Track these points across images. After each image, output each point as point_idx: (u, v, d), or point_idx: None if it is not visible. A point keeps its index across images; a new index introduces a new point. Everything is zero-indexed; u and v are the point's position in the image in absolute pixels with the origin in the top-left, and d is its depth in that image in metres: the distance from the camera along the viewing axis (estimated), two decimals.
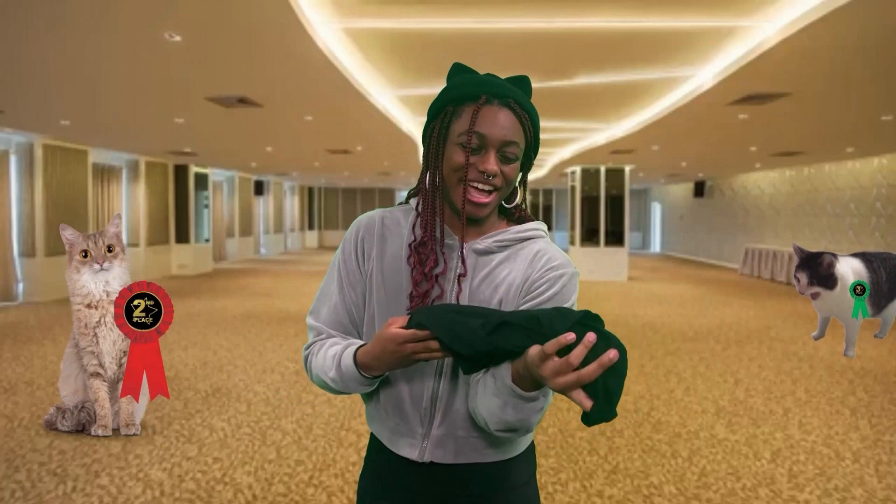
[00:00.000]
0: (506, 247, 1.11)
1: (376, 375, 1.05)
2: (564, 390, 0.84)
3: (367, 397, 1.16)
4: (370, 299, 1.12)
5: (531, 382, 0.92)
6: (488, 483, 1.11)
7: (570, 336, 0.82)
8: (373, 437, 1.19)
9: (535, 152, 1.13)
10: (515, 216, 1.17)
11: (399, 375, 1.10)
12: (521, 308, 1.06)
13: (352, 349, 1.06)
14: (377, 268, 1.12)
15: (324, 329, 1.14)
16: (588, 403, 0.83)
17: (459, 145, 1.04)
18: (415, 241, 1.10)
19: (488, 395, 0.98)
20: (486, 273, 1.09)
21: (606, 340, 0.84)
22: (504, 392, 0.95)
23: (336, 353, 1.08)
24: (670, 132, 7.51)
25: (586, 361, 0.82)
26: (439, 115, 1.09)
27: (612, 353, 0.80)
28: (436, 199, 1.09)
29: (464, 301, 1.08)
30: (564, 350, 0.84)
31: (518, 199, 1.16)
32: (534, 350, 0.87)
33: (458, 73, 1.12)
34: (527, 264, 1.09)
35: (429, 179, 1.09)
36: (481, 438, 1.08)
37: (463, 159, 1.04)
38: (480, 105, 1.04)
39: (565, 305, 1.05)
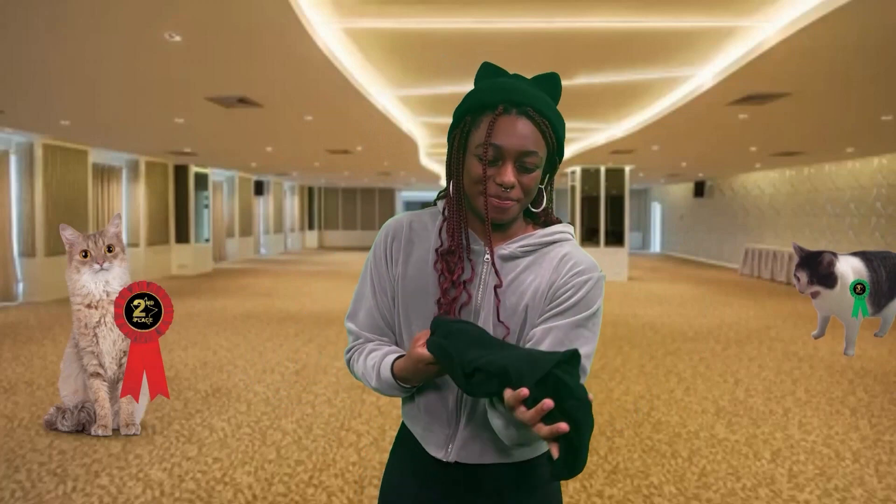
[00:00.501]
0: (531, 251, 1.10)
1: (415, 385, 1.09)
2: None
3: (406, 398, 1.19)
4: (398, 302, 1.14)
5: None
6: (512, 482, 1.12)
7: (524, 392, 0.82)
8: (403, 433, 1.21)
9: (561, 156, 1.11)
10: (542, 220, 1.17)
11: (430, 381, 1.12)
12: (546, 313, 1.06)
13: (389, 360, 1.09)
14: (403, 273, 1.13)
15: (361, 333, 1.17)
16: (555, 454, 0.82)
17: (477, 157, 1.04)
18: (441, 246, 1.11)
19: (493, 414, 1.00)
20: (512, 279, 1.09)
21: (570, 396, 0.82)
22: (504, 413, 0.96)
23: (375, 363, 1.11)
24: (670, 132, 7.51)
25: (554, 417, 0.81)
26: (459, 125, 1.08)
27: (561, 426, 0.80)
28: (461, 208, 1.09)
29: (491, 306, 1.08)
30: (531, 401, 0.83)
31: (544, 205, 1.15)
32: (506, 395, 0.87)
33: (486, 76, 1.11)
34: (552, 269, 1.08)
35: (453, 188, 1.10)
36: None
37: (481, 172, 1.04)
38: (497, 115, 1.03)
39: (590, 310, 1.06)
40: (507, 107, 1.03)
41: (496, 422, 1.00)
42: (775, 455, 3.27)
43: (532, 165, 1.04)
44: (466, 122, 1.07)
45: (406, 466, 1.19)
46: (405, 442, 1.20)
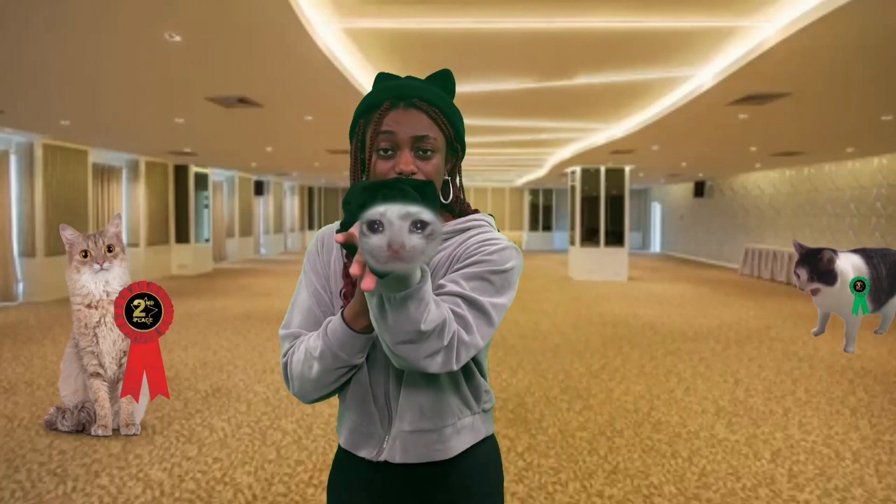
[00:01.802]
0: (445, 240, 1.10)
1: (366, 328, 1.00)
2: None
3: (339, 397, 1.17)
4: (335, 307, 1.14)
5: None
6: (444, 481, 1.11)
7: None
8: (339, 450, 1.21)
9: (461, 142, 1.12)
10: (457, 211, 1.16)
11: (362, 374, 1.10)
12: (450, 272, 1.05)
13: (336, 316, 1.03)
14: (333, 281, 1.14)
15: (299, 332, 1.12)
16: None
17: (375, 152, 1.05)
18: (345, 253, 1.12)
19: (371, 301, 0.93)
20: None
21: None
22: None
23: (318, 334, 1.05)
24: (670, 132, 7.51)
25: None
26: (356, 131, 1.10)
27: (365, 283, 0.78)
28: None
29: None
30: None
31: (452, 195, 1.14)
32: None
33: (378, 82, 1.13)
34: (455, 247, 1.08)
35: None
36: (427, 432, 1.08)
37: (380, 166, 1.04)
38: (384, 111, 1.05)
39: (497, 266, 1.03)
40: (394, 101, 1.05)
41: (372, 306, 0.92)
42: (775, 455, 3.27)
43: (429, 148, 1.04)
44: (360, 126, 1.08)
45: (342, 475, 1.18)
46: (341, 450, 1.19)
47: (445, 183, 1.13)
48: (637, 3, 3.80)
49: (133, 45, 4.07)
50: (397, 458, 1.09)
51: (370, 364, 1.10)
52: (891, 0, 3.15)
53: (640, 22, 4.06)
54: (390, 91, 1.06)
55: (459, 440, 1.11)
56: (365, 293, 0.93)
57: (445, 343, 0.94)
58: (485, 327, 1.01)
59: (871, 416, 3.87)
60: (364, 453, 1.12)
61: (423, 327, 0.90)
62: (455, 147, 1.11)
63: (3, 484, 2.84)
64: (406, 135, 1.03)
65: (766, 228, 13.53)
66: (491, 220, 1.15)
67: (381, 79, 1.13)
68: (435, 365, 0.95)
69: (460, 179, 1.16)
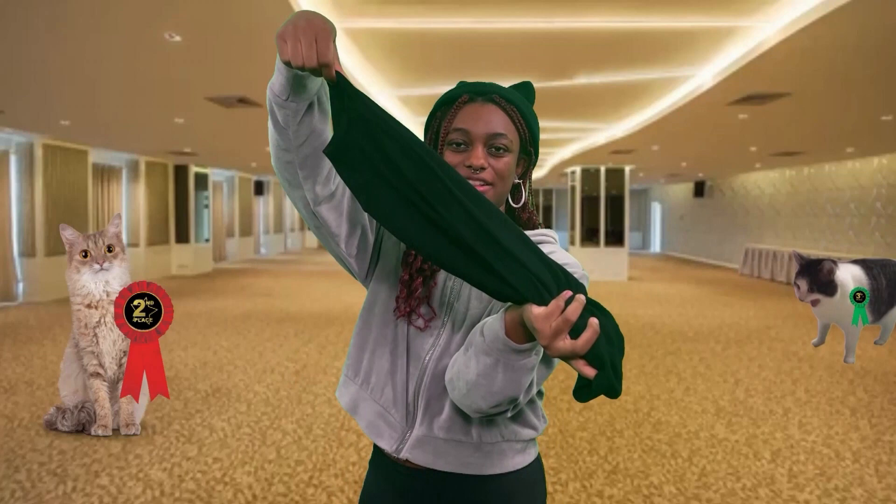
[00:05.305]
0: None
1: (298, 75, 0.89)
2: (563, 357, 0.81)
3: (353, 376, 1.13)
4: (373, 267, 1.12)
5: (525, 335, 0.87)
6: (479, 501, 1.06)
7: (567, 293, 0.80)
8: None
9: (535, 146, 1.10)
10: (524, 219, 1.14)
11: (400, 361, 1.07)
12: None
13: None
14: (384, 250, 1.12)
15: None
16: (590, 371, 0.80)
17: (447, 145, 1.04)
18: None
19: (477, 355, 0.92)
20: None
21: (600, 311, 0.83)
22: (495, 348, 0.89)
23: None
24: (670, 132, 7.51)
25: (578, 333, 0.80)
26: (432, 123, 1.09)
27: (594, 320, 0.79)
28: None
29: (462, 304, 1.06)
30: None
31: (524, 199, 1.13)
32: (537, 309, 0.81)
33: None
34: None
35: None
36: (465, 444, 1.04)
37: (450, 158, 1.03)
38: (462, 103, 1.05)
39: None
40: (472, 95, 1.05)
41: (482, 361, 0.90)
42: (775, 455, 3.27)
43: (502, 147, 1.03)
44: (437, 118, 1.08)
45: (374, 461, 1.15)
46: (373, 459, 1.17)
47: (516, 186, 1.12)
48: (637, 3, 3.80)
49: (133, 45, 4.08)
50: (423, 462, 1.05)
51: (410, 357, 1.06)
52: (891, 0, 3.15)
53: (640, 22, 4.06)
54: (469, 87, 1.06)
55: (505, 459, 1.07)
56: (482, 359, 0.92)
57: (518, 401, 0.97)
58: (544, 371, 1.02)
59: (871, 416, 3.87)
60: (384, 444, 1.07)
61: (522, 398, 0.94)
62: (528, 150, 1.09)
63: (3, 484, 2.84)
64: (480, 131, 1.02)
65: (766, 228, 13.54)
66: (556, 235, 1.14)
67: (463, 84, 1.13)
68: (491, 413, 0.97)
69: (531, 186, 1.14)
